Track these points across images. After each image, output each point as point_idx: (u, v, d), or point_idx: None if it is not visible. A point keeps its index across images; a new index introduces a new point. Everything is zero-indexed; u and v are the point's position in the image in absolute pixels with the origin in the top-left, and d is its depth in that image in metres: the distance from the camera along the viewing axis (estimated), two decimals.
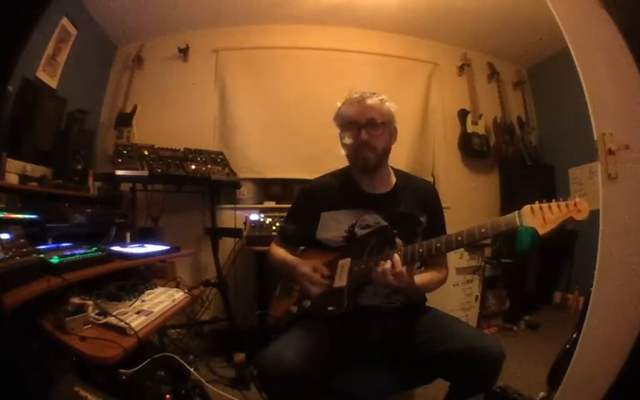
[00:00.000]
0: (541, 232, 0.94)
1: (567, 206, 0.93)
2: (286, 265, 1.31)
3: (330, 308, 1.18)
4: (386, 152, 1.29)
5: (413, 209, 1.29)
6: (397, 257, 1.09)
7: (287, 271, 1.31)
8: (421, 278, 1.23)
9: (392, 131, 1.30)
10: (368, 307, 1.23)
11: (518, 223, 0.97)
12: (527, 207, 0.97)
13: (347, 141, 1.28)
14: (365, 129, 1.23)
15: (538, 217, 0.94)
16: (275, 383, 1.04)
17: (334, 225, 1.29)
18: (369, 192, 1.31)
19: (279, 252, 1.38)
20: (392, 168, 1.37)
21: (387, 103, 1.28)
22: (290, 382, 1.00)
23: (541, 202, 0.96)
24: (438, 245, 1.09)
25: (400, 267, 1.08)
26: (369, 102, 1.25)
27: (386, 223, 1.26)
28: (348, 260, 1.22)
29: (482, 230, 1.03)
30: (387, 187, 1.33)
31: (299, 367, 1.01)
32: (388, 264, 1.09)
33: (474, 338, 1.11)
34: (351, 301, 1.17)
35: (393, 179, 1.35)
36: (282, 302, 1.34)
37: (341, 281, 1.19)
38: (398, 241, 1.25)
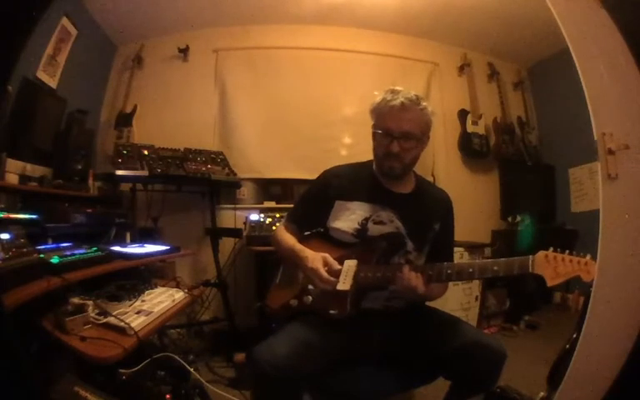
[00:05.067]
0: (549, 283, 0.96)
1: (578, 263, 0.95)
2: (294, 253, 1.25)
3: (332, 312, 1.15)
4: (413, 162, 1.27)
5: (429, 214, 1.29)
6: (419, 276, 1.09)
7: (294, 259, 1.25)
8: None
9: (425, 141, 1.26)
10: (369, 310, 1.23)
11: (531, 270, 0.98)
12: (541, 254, 0.98)
13: (378, 142, 1.25)
14: (397, 141, 1.19)
15: (550, 268, 0.96)
16: (266, 382, 1.02)
17: (347, 215, 1.26)
18: (388, 189, 1.29)
19: (287, 237, 1.32)
20: (414, 172, 1.35)
21: (427, 112, 1.22)
22: (283, 382, 1.00)
23: (555, 250, 0.97)
24: (449, 272, 1.10)
25: (418, 284, 1.08)
26: (410, 113, 1.19)
27: (399, 224, 1.24)
28: (354, 262, 1.18)
29: (495, 268, 1.04)
30: (407, 189, 1.32)
31: (294, 368, 1.01)
32: (408, 280, 1.08)
33: (476, 338, 1.12)
34: (353, 306, 1.15)
35: (413, 183, 1.34)
36: (281, 292, 1.31)
37: (345, 284, 1.15)
38: (409, 243, 1.25)
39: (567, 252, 0.97)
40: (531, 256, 0.99)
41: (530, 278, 1.01)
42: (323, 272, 1.15)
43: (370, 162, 1.34)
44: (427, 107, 1.23)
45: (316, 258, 1.18)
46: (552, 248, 0.98)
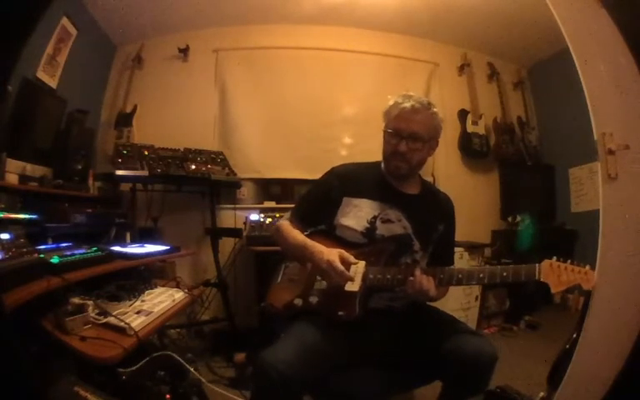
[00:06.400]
0: (553, 289, 1.02)
1: (579, 272, 1.00)
2: (305, 249, 1.22)
3: (340, 314, 1.14)
4: (420, 164, 1.29)
5: (434, 215, 1.31)
6: (431, 279, 1.10)
7: (305, 255, 1.22)
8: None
9: (433, 145, 1.29)
10: (372, 310, 1.22)
11: (537, 277, 1.03)
12: (546, 262, 1.03)
13: (387, 141, 1.27)
14: (405, 141, 1.22)
15: (554, 275, 1.02)
16: (271, 387, 1.00)
17: (355, 212, 1.26)
18: (397, 189, 1.30)
19: (295, 233, 1.28)
20: (419, 175, 1.37)
21: (437, 117, 1.26)
22: (287, 388, 0.98)
23: (559, 259, 1.02)
24: (460, 276, 1.12)
25: (430, 288, 1.10)
26: (420, 115, 1.22)
27: (407, 223, 1.25)
28: (362, 263, 1.17)
29: (504, 274, 1.07)
30: (414, 191, 1.33)
31: (300, 374, 0.99)
32: (420, 283, 1.10)
33: (466, 340, 1.11)
34: (362, 307, 1.15)
35: (419, 185, 1.36)
36: (284, 292, 1.29)
37: (353, 285, 1.14)
38: (416, 243, 1.26)
39: (569, 261, 1.02)
40: (537, 264, 1.03)
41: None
42: (340, 265, 1.13)
43: (378, 162, 1.35)
44: (438, 113, 1.26)
45: (332, 252, 1.16)
46: (555, 257, 1.02)
